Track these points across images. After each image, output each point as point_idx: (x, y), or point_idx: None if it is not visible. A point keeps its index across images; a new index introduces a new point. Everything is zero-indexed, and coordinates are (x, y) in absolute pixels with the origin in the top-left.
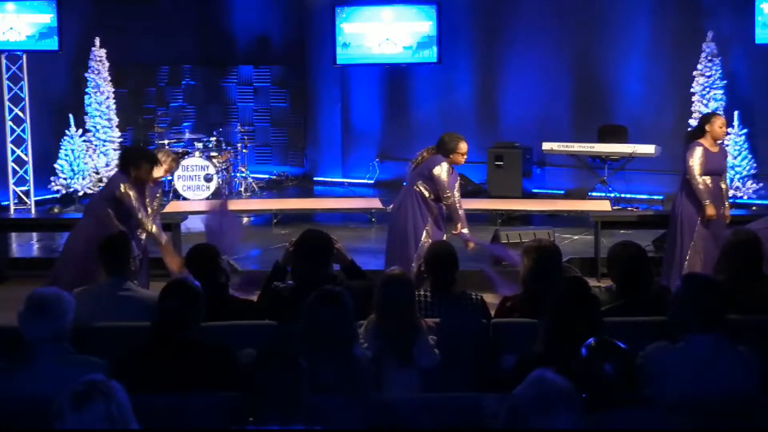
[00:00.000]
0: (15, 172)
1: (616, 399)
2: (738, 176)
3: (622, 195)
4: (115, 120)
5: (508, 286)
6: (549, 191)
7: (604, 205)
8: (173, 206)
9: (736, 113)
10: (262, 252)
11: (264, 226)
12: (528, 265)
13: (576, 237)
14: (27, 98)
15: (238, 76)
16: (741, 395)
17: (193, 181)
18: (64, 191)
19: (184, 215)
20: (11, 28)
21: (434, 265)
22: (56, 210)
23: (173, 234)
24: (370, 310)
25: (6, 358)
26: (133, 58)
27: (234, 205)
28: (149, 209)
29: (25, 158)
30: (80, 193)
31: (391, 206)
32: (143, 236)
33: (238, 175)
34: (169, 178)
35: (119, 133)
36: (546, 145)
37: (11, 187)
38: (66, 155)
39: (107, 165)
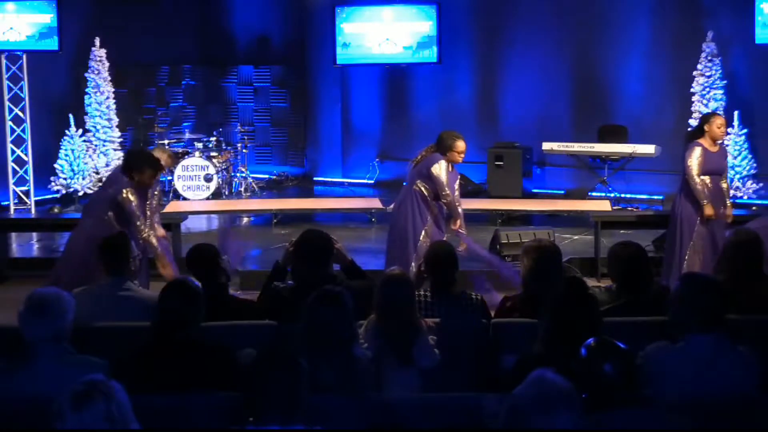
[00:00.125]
0: (15, 172)
1: (616, 399)
2: (738, 176)
3: (622, 195)
4: (115, 120)
5: (492, 291)
6: (549, 191)
7: (604, 205)
8: (173, 206)
9: (736, 113)
10: (262, 252)
11: (264, 226)
12: (528, 265)
13: (576, 237)
14: (27, 98)
15: (238, 76)
16: (741, 395)
17: (193, 181)
18: (64, 191)
19: (184, 215)
20: (11, 28)
21: (434, 265)
22: (56, 210)
23: (173, 234)
24: (370, 310)
25: (6, 358)
26: (133, 58)
27: (234, 205)
28: (148, 211)
29: (25, 158)
30: (80, 193)
31: (392, 206)
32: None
33: (238, 175)
34: (169, 177)
35: (119, 133)
36: (546, 145)
37: (11, 187)
38: (66, 155)
39: (107, 165)
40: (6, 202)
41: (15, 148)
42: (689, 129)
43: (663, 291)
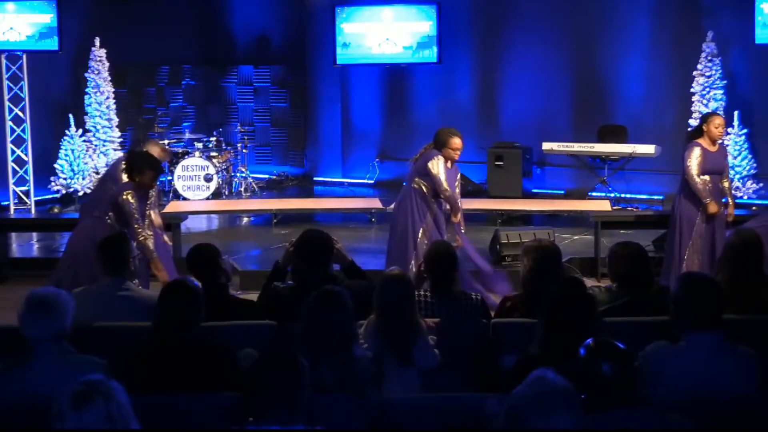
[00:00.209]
0: (15, 172)
1: (615, 399)
2: (738, 176)
3: (622, 195)
4: (115, 120)
5: (472, 283)
6: (549, 191)
7: (604, 205)
8: (173, 206)
9: (736, 113)
10: (262, 252)
11: (264, 226)
12: (528, 265)
13: (576, 237)
14: (27, 98)
15: (238, 76)
16: (741, 395)
17: (193, 181)
18: (64, 191)
19: (184, 215)
20: (11, 28)
21: (434, 265)
22: (56, 210)
23: (173, 234)
24: (370, 310)
25: (6, 358)
26: (133, 58)
27: (234, 205)
28: (149, 210)
29: (25, 158)
30: (80, 193)
31: (392, 205)
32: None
33: (238, 175)
34: (169, 178)
35: (119, 133)
36: (546, 145)
37: (11, 187)
38: (66, 155)
39: (107, 165)
40: (6, 202)
41: (15, 148)
42: (689, 129)
43: (663, 291)
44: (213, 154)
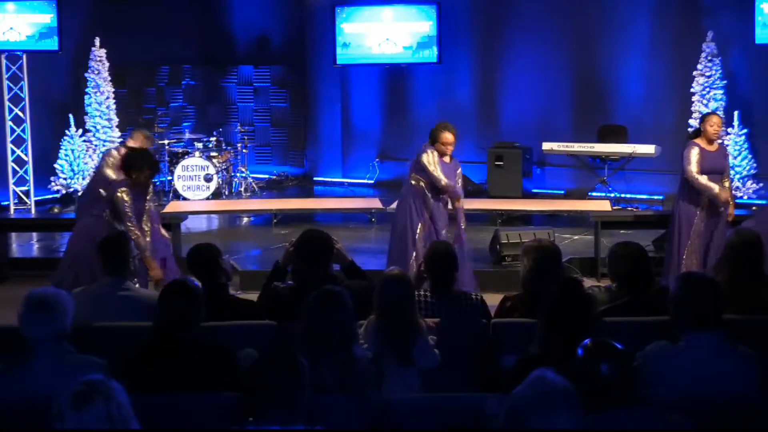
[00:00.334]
0: (15, 172)
1: (614, 399)
2: (738, 176)
3: (622, 195)
4: (115, 120)
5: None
6: (549, 191)
7: (604, 205)
8: (173, 206)
9: (736, 113)
10: (262, 252)
11: (264, 226)
12: (528, 265)
13: (576, 237)
14: (27, 98)
15: (238, 76)
16: (741, 395)
17: (193, 181)
18: (64, 191)
19: (184, 215)
20: (11, 28)
21: (434, 265)
22: (56, 210)
23: (173, 234)
24: (370, 310)
25: (6, 358)
26: (133, 58)
27: (234, 205)
28: (147, 207)
29: (25, 158)
30: (80, 193)
31: (392, 205)
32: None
33: (238, 175)
34: (169, 178)
35: (119, 133)
36: (546, 145)
37: (11, 187)
38: (66, 155)
39: None
40: (6, 202)
41: (15, 148)
42: (689, 129)
43: (663, 291)
44: (213, 154)
